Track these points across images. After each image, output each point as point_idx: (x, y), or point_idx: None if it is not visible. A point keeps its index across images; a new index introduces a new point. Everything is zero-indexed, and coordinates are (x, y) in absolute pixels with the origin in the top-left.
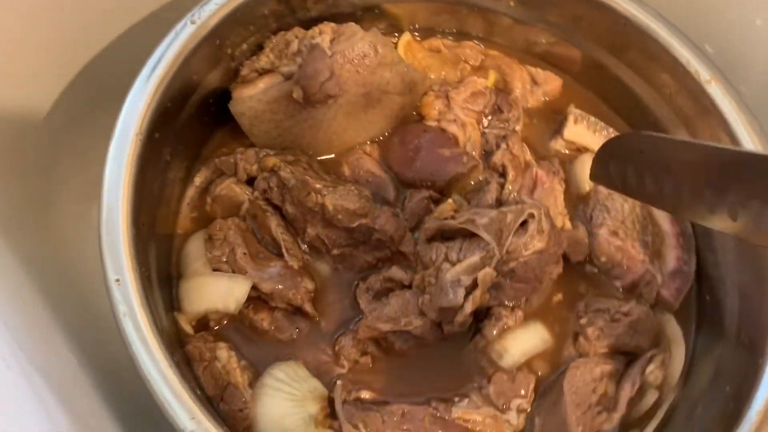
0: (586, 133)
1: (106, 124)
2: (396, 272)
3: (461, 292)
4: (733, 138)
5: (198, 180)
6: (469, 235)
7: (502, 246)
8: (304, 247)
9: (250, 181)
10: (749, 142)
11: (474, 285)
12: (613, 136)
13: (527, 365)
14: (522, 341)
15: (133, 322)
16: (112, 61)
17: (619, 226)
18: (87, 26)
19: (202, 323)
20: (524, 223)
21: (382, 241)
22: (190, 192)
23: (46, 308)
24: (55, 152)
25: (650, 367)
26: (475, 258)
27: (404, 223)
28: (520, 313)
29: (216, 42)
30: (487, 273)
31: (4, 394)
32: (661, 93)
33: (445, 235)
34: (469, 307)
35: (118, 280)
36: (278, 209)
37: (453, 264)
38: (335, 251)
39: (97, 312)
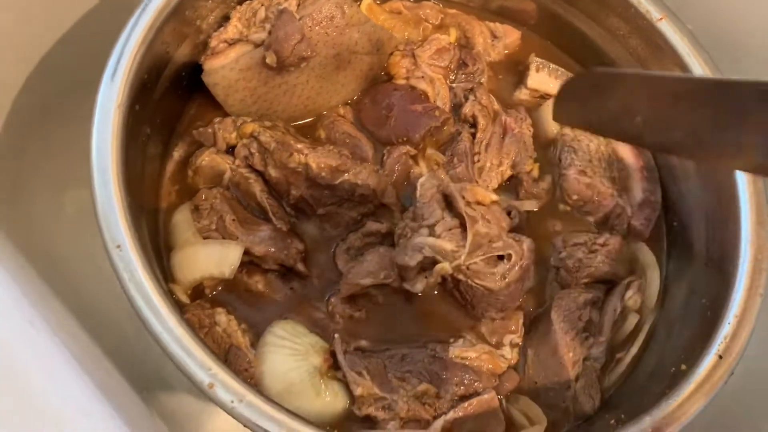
0: (548, 80)
1: (73, 112)
2: (371, 225)
3: (416, 258)
4: (687, 73)
5: (177, 154)
6: (464, 227)
7: (469, 256)
8: (290, 209)
9: (230, 150)
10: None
11: (431, 264)
12: None
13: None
14: None
15: (137, 286)
16: (73, 49)
17: (587, 164)
18: (45, 12)
19: (197, 292)
20: (502, 257)
21: (365, 195)
22: (170, 166)
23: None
24: (23, 143)
25: (628, 293)
26: (448, 245)
27: (385, 177)
28: None
29: (185, 13)
30: (443, 267)
31: (37, 354)
32: (614, 35)
33: (448, 201)
34: (419, 286)
35: (119, 246)
36: (260, 175)
37: (430, 234)
38: (320, 210)
39: (86, 294)
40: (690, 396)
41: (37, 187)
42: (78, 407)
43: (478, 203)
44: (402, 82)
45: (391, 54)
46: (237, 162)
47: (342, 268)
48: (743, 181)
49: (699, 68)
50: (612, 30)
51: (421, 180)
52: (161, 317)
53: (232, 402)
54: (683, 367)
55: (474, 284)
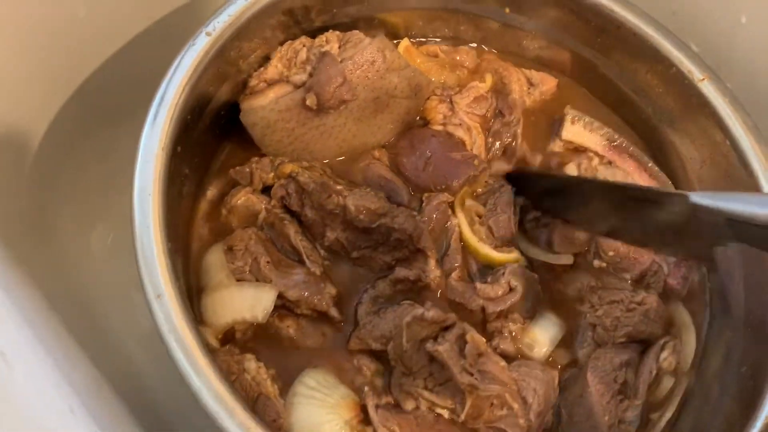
0: (583, 132)
1: (107, 140)
2: (400, 272)
3: (410, 405)
4: (726, 133)
5: (210, 193)
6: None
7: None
8: (323, 252)
9: (264, 190)
10: (744, 137)
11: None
12: (606, 133)
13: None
14: (544, 331)
15: (176, 338)
16: (108, 80)
17: None
18: (81, 46)
19: (227, 336)
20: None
21: (401, 240)
22: (203, 205)
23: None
24: (54, 170)
25: (664, 354)
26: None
27: (422, 223)
28: (516, 316)
29: (229, 54)
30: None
31: None
32: (650, 91)
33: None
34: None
35: (159, 296)
36: (295, 216)
37: (425, 387)
38: (355, 254)
39: (109, 332)
40: None
41: (64, 223)
42: None
43: (480, 355)
44: (438, 127)
45: (428, 98)
46: (273, 202)
47: (360, 317)
48: None
49: (739, 128)
50: (648, 86)
51: (406, 319)
52: (201, 372)
53: None
54: None
55: None
